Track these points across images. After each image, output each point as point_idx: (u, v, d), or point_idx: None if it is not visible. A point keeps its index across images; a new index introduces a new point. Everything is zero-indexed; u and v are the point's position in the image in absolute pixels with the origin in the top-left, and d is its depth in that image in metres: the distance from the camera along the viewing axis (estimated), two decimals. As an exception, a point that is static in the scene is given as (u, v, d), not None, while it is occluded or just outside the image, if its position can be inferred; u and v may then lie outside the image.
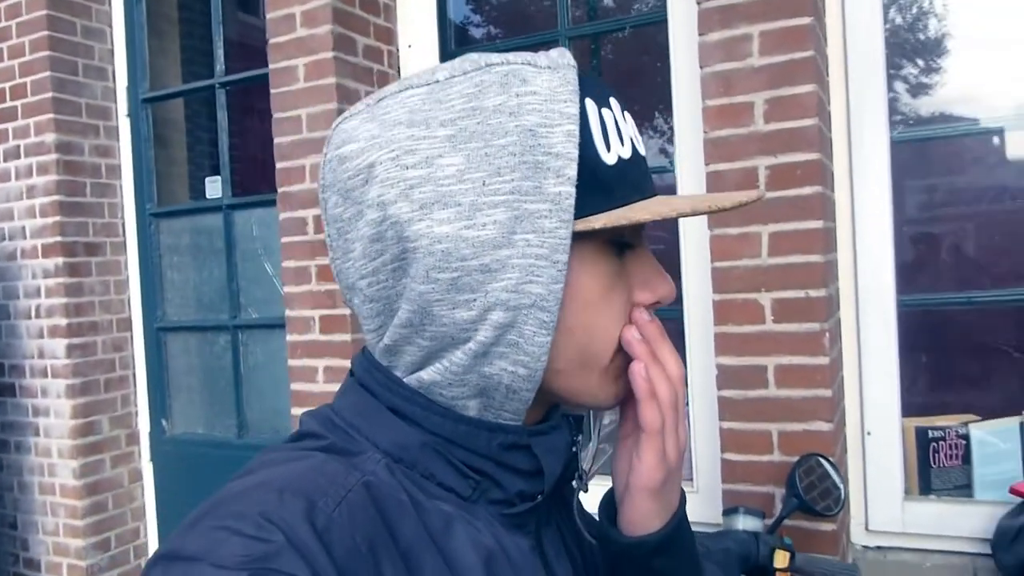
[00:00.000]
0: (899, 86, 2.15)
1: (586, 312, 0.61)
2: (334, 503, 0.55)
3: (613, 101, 0.62)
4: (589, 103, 0.59)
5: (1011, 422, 2.01)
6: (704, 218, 1.94)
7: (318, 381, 2.45)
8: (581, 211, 0.58)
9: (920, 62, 2.17)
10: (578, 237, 0.58)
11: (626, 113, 0.64)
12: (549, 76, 0.59)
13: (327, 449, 0.62)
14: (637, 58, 2.67)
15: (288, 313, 2.51)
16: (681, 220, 2.14)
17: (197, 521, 0.53)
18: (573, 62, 0.61)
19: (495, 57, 0.60)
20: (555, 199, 0.56)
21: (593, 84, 0.61)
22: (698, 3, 1.93)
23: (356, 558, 0.53)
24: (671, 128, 2.20)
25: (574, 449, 0.69)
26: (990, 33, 2.04)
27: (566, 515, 0.74)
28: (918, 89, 2.17)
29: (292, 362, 2.50)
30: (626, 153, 0.61)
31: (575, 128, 0.57)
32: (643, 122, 2.48)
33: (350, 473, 0.58)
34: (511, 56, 0.60)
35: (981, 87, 2.08)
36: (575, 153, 0.57)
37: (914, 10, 2.15)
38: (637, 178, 0.62)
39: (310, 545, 0.51)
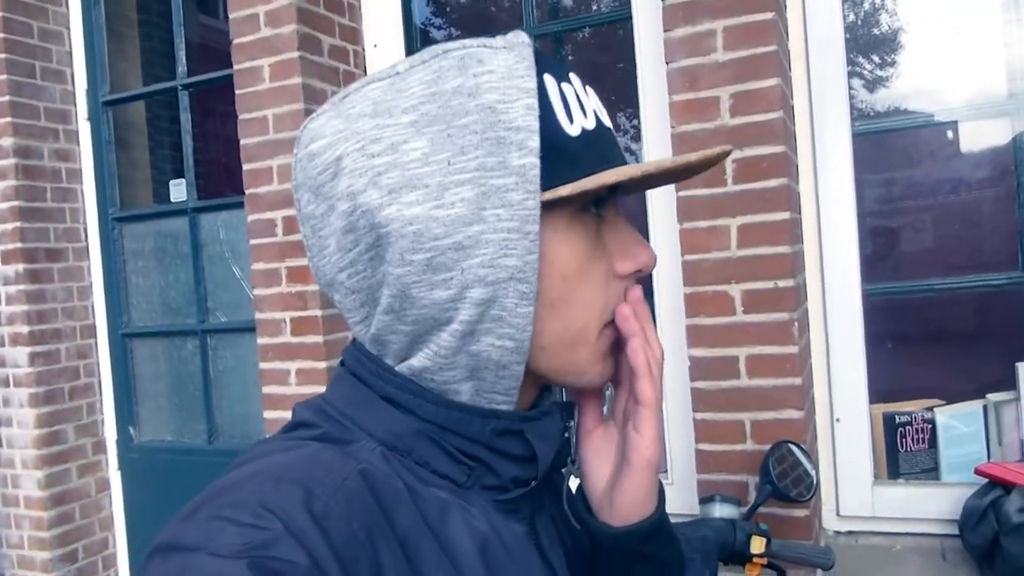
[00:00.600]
0: (858, 80, 2.20)
1: (565, 284, 0.62)
2: (331, 491, 0.55)
3: (573, 76, 0.63)
4: (548, 78, 0.60)
5: (974, 405, 2.06)
6: (674, 212, 1.96)
7: (290, 384, 2.43)
8: (549, 183, 0.58)
9: (878, 56, 2.21)
10: (549, 208, 0.59)
11: (588, 87, 0.65)
12: (505, 55, 0.60)
13: (321, 438, 0.62)
14: (603, 55, 2.69)
15: (258, 316, 2.49)
16: (651, 215, 2.17)
17: (193, 512, 0.53)
18: (528, 40, 0.62)
19: (452, 44, 0.61)
20: (520, 171, 0.57)
21: (551, 61, 0.62)
22: (662, 0, 1.95)
23: (354, 545, 0.53)
24: (638, 123, 2.22)
25: (566, 435, 0.70)
26: (945, 26, 2.09)
27: (558, 502, 0.75)
28: (877, 83, 2.22)
29: (264, 365, 2.48)
30: (590, 124, 0.62)
31: (534, 102, 0.58)
32: (609, 118, 2.49)
33: (346, 461, 0.58)
34: (467, 41, 0.61)
35: (938, 79, 2.13)
36: (536, 125, 0.58)
37: (871, 5, 2.19)
38: (603, 148, 0.63)
39: (308, 532, 0.51)
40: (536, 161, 0.57)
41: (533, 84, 0.59)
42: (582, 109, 0.62)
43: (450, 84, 0.58)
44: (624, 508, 0.69)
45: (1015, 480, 1.79)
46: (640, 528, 0.69)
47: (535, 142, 0.57)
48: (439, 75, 0.59)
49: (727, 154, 0.64)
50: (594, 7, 2.67)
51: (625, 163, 0.64)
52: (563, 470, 0.72)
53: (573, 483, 0.74)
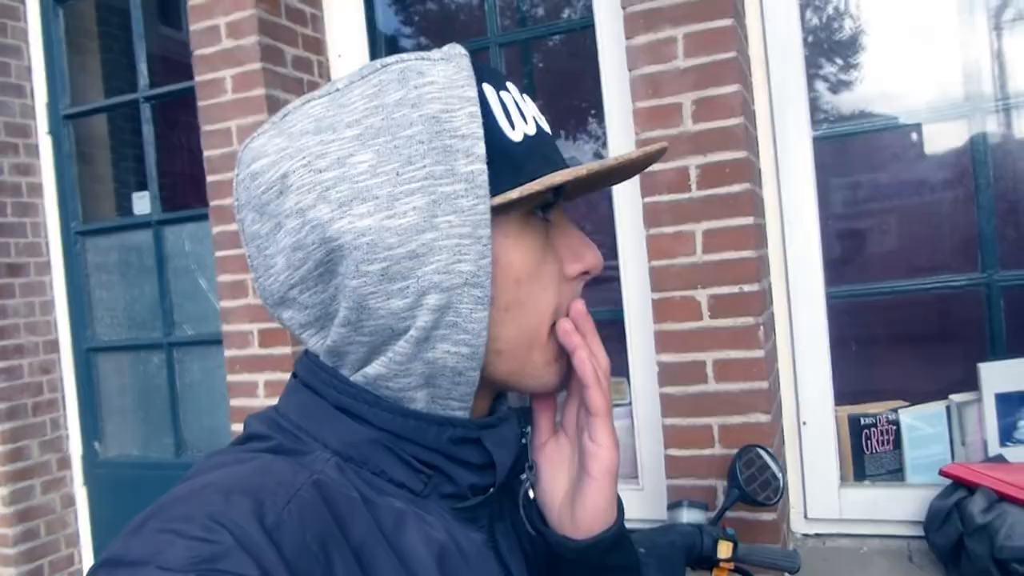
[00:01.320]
0: (819, 85, 2.22)
1: (519, 288, 0.62)
2: (283, 502, 0.54)
3: (510, 85, 0.65)
4: (487, 87, 0.62)
5: (938, 406, 2.08)
6: (640, 219, 1.96)
7: (259, 396, 2.41)
8: (497, 188, 0.59)
9: (838, 61, 2.24)
10: (499, 213, 0.60)
11: (525, 95, 0.66)
12: (444, 66, 0.61)
13: (274, 450, 0.62)
14: (567, 63, 2.70)
15: (225, 328, 2.46)
16: (619, 221, 2.18)
17: (141, 525, 0.51)
18: (464, 52, 0.63)
19: (389, 58, 0.62)
20: (468, 178, 0.58)
21: (488, 70, 0.63)
22: (623, 7, 1.96)
23: (307, 556, 0.53)
24: (604, 130, 2.23)
25: (523, 441, 0.70)
26: (902, 29, 2.12)
27: (517, 508, 0.75)
28: (837, 87, 2.25)
29: (231, 377, 2.45)
30: (531, 130, 0.63)
31: (476, 110, 0.59)
32: (576, 125, 2.50)
33: (299, 472, 0.58)
34: (404, 55, 0.62)
35: (896, 83, 2.15)
36: (480, 132, 0.59)
37: (829, 10, 2.22)
38: (546, 152, 0.64)
39: (259, 544, 0.50)
40: (484, 167, 0.58)
41: (474, 93, 0.60)
42: (522, 116, 0.63)
43: (392, 97, 0.59)
44: (587, 520, 0.69)
45: (978, 481, 1.80)
46: (603, 539, 0.69)
47: (481, 148, 0.58)
48: (380, 89, 0.59)
49: (664, 150, 0.66)
50: (561, 14, 2.67)
51: (568, 166, 0.65)
52: (521, 476, 0.72)
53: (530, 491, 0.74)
